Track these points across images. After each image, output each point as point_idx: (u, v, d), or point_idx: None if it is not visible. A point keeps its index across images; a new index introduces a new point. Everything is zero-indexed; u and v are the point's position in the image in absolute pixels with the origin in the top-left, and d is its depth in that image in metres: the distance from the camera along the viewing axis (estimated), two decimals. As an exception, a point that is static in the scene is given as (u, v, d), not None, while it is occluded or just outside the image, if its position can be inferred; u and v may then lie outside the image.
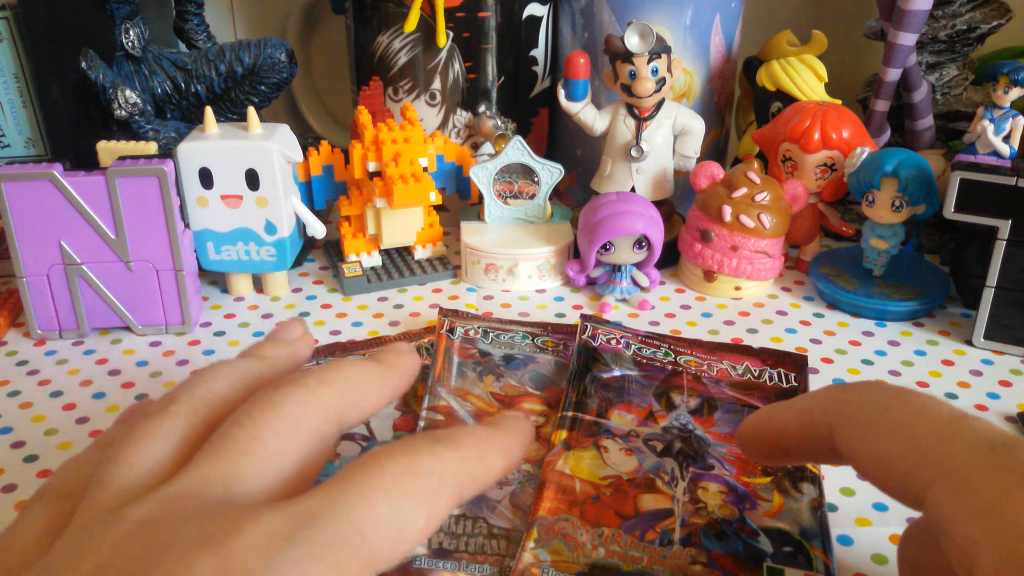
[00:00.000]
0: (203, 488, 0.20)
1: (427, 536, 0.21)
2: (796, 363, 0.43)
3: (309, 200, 0.55)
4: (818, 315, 0.51)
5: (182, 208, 0.48)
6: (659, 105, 0.53)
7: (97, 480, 0.21)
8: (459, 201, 0.59)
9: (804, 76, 0.58)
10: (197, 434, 0.23)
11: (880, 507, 0.35)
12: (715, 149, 0.63)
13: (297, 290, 0.54)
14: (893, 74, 0.55)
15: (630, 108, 0.53)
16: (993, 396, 0.43)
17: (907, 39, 0.53)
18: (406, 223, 0.54)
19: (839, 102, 0.55)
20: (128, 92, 0.51)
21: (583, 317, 0.45)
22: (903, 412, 0.24)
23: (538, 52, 0.62)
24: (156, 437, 0.22)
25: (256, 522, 0.19)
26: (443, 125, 0.61)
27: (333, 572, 0.18)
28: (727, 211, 0.50)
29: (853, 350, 0.47)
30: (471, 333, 0.44)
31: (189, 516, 0.19)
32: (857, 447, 0.25)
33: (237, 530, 0.18)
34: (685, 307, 0.52)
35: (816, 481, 0.34)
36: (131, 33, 0.53)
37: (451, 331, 0.44)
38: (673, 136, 0.55)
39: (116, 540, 0.19)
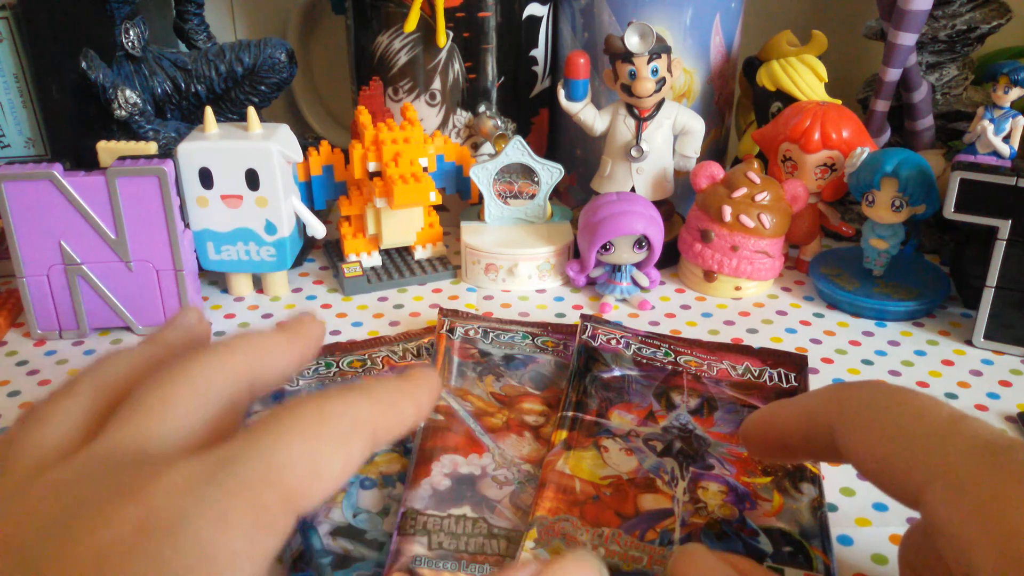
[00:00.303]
0: (116, 449, 0.20)
1: (344, 479, 0.21)
2: (796, 363, 0.43)
3: (309, 200, 0.55)
4: (818, 315, 0.51)
5: (182, 208, 0.48)
6: (659, 105, 0.53)
7: (5, 464, 0.21)
8: (459, 201, 0.59)
9: (804, 76, 0.58)
10: (101, 411, 0.23)
11: (880, 507, 0.35)
12: (715, 149, 0.63)
13: (297, 290, 0.54)
14: (893, 74, 0.55)
15: (630, 108, 0.53)
16: (993, 396, 0.43)
17: (907, 39, 0.53)
18: (406, 223, 0.54)
19: (839, 102, 0.55)
20: (128, 92, 0.51)
21: (583, 317, 0.45)
22: (902, 412, 0.24)
23: (538, 52, 0.62)
24: (60, 415, 0.22)
25: (173, 469, 0.19)
26: (443, 125, 0.61)
27: (254, 510, 0.18)
28: (727, 211, 0.50)
29: (853, 350, 0.47)
30: (471, 333, 0.44)
31: (105, 473, 0.19)
32: (856, 446, 0.25)
33: (154, 478, 0.18)
34: (685, 307, 0.52)
35: (816, 481, 0.34)
36: (131, 33, 0.53)
37: (451, 331, 0.44)
38: (673, 136, 0.55)
39: (31, 503, 0.19)
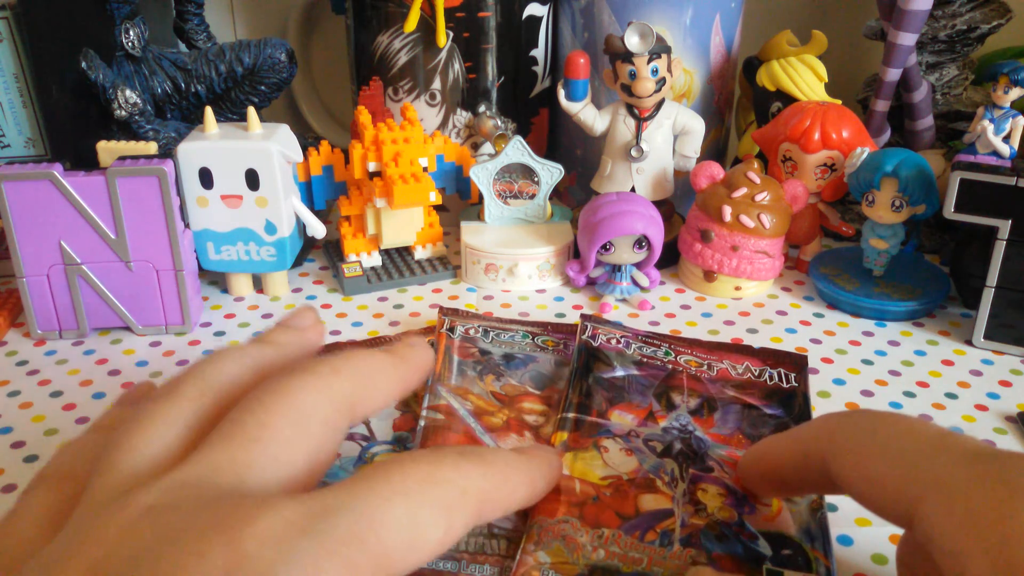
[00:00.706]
0: (213, 475, 0.20)
1: (444, 549, 0.20)
2: (796, 363, 0.43)
3: (309, 200, 0.55)
4: (818, 315, 0.50)
5: (182, 208, 0.48)
6: (659, 105, 0.53)
7: (103, 465, 0.21)
8: (459, 201, 0.59)
9: (804, 76, 0.58)
10: (206, 419, 0.22)
11: (880, 507, 0.35)
12: (715, 149, 0.63)
13: (297, 290, 0.54)
14: (893, 74, 0.55)
15: (630, 108, 0.53)
16: (993, 396, 0.43)
17: (907, 39, 0.53)
18: (406, 223, 0.54)
19: (839, 102, 0.55)
20: (128, 92, 0.51)
21: (583, 317, 0.45)
22: (891, 433, 0.25)
23: (538, 52, 0.62)
24: (164, 421, 0.22)
25: (270, 512, 0.18)
26: (443, 125, 0.61)
27: (346, 570, 0.18)
28: (727, 211, 0.50)
29: (853, 350, 0.47)
30: (471, 332, 0.44)
31: (200, 503, 0.19)
32: (849, 471, 0.25)
33: (250, 519, 0.18)
34: (685, 307, 0.52)
35: (816, 481, 0.34)
36: (131, 33, 0.53)
37: (451, 330, 0.44)
38: (673, 136, 0.55)
39: (123, 526, 0.18)
